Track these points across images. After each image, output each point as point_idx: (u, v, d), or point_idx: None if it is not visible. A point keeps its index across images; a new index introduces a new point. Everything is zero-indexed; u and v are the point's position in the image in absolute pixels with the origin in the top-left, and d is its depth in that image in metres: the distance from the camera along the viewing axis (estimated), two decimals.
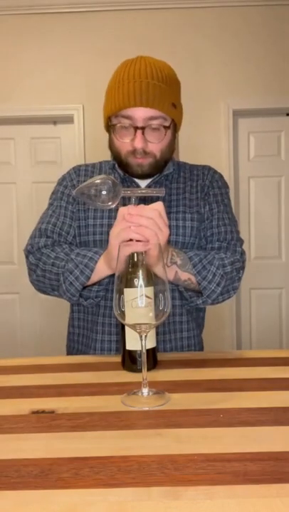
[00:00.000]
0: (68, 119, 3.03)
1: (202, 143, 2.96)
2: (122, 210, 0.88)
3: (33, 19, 2.99)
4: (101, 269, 0.98)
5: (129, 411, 0.67)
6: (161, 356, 0.95)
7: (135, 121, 1.01)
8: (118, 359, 0.91)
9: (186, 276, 1.01)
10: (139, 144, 1.01)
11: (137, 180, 1.13)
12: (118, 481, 0.48)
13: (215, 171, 1.24)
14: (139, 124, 1.01)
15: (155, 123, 1.01)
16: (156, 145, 1.04)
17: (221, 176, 1.24)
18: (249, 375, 0.83)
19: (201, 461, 0.52)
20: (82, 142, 3.02)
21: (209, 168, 1.23)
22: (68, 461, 0.53)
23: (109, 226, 1.08)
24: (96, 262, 0.98)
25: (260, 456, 0.53)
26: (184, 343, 1.12)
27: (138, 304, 0.72)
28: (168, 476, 0.49)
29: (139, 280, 0.74)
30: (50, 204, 1.18)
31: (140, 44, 2.96)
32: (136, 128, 1.01)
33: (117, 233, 0.88)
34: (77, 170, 1.20)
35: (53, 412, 0.67)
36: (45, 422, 0.64)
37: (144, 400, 0.71)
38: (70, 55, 3.00)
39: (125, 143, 1.04)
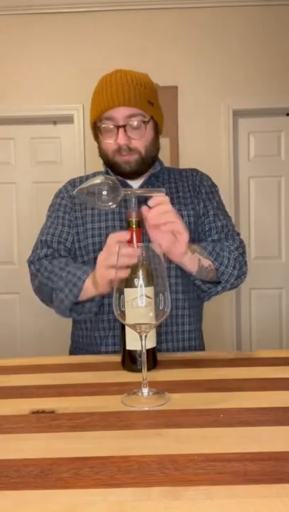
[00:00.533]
0: (68, 119, 3.03)
1: (202, 143, 2.96)
2: (112, 237, 0.92)
3: (33, 19, 2.99)
4: (89, 290, 1.01)
5: (129, 411, 0.67)
6: (161, 356, 0.95)
7: (117, 121, 1.09)
8: (118, 359, 0.91)
9: (207, 262, 1.05)
10: (122, 140, 1.08)
11: (128, 181, 1.17)
12: (118, 481, 0.48)
13: (202, 173, 1.30)
14: (120, 123, 1.08)
15: (134, 120, 1.09)
16: (139, 141, 1.11)
17: (209, 177, 1.30)
18: (249, 375, 0.83)
19: (201, 461, 0.52)
20: (82, 142, 3.02)
21: (197, 171, 1.30)
22: (68, 461, 0.53)
23: (107, 228, 1.14)
24: (84, 281, 1.01)
25: (260, 456, 0.53)
26: (186, 336, 1.14)
27: (138, 303, 0.72)
28: (168, 476, 0.49)
29: (139, 280, 0.74)
30: (49, 216, 1.23)
31: (140, 44, 2.96)
32: (118, 127, 1.08)
33: (105, 258, 0.92)
34: (72, 182, 1.26)
35: (53, 412, 0.67)
36: (45, 422, 0.64)
37: (144, 400, 0.71)
38: (70, 55, 3.00)
39: (110, 143, 1.11)
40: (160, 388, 0.75)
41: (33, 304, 3.12)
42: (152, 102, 1.12)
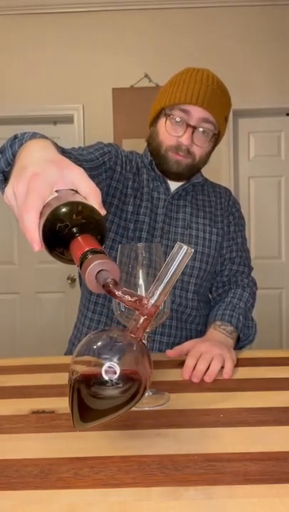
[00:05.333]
0: (68, 119, 3.03)
1: None
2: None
3: (33, 19, 2.99)
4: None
5: (130, 411, 0.67)
6: (161, 356, 0.95)
7: (190, 119, 1.04)
8: None
9: (236, 336, 1.06)
10: (187, 140, 1.04)
11: (168, 181, 1.15)
12: (118, 481, 0.48)
13: (235, 198, 1.29)
14: (193, 123, 1.04)
15: (206, 126, 1.05)
16: (199, 148, 1.07)
17: (240, 205, 1.29)
18: (249, 375, 0.83)
19: (201, 461, 0.52)
20: (82, 142, 3.02)
21: (230, 192, 1.30)
22: (68, 461, 0.52)
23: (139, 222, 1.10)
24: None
25: (260, 456, 0.53)
26: (193, 335, 1.15)
27: None
28: (168, 476, 0.49)
29: (140, 279, 0.73)
30: (81, 148, 1.07)
31: (140, 44, 2.96)
32: (188, 125, 1.04)
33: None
34: (120, 150, 1.16)
35: (53, 412, 0.67)
36: (45, 422, 0.64)
37: (144, 400, 0.70)
38: (70, 55, 3.00)
39: (172, 136, 1.06)
40: (160, 388, 0.75)
41: (33, 304, 3.13)
42: (226, 119, 1.12)
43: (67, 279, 3.01)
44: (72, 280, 3.01)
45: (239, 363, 0.90)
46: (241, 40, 2.97)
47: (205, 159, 1.13)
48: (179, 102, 1.04)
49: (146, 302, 0.45)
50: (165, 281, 0.45)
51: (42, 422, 0.64)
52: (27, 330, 3.11)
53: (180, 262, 0.46)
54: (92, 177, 0.99)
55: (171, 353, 0.91)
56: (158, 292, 0.45)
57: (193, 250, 0.46)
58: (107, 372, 0.43)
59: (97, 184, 1.03)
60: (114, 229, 1.11)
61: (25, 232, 0.47)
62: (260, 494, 0.45)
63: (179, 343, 1.02)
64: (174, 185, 1.16)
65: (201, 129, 1.05)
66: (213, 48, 2.95)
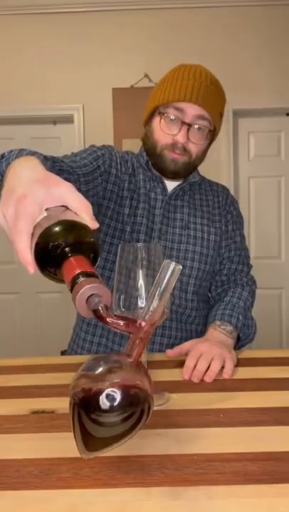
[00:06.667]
0: (68, 119, 3.03)
1: None
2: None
3: (33, 19, 2.99)
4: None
5: None
6: (161, 356, 0.95)
7: (185, 116, 1.03)
8: None
9: (234, 336, 1.04)
10: (182, 138, 1.03)
11: (165, 180, 1.14)
12: (118, 481, 0.48)
13: (233, 196, 1.28)
14: (187, 120, 1.03)
15: (202, 123, 1.04)
16: (195, 146, 1.06)
17: (237, 203, 1.28)
18: (249, 375, 0.83)
19: (201, 461, 0.52)
20: (82, 142, 3.02)
21: (228, 190, 1.28)
22: (68, 461, 0.52)
23: (136, 223, 1.09)
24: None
25: (260, 456, 0.53)
26: (193, 335, 1.14)
27: (138, 303, 0.72)
28: (168, 476, 0.49)
29: (139, 280, 0.73)
30: (74, 154, 1.07)
31: (140, 44, 2.96)
32: (183, 123, 1.03)
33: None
34: (114, 152, 1.16)
35: (53, 412, 0.67)
36: (45, 422, 0.64)
37: None
38: (70, 55, 3.00)
39: (167, 135, 1.05)
40: (160, 388, 0.75)
41: (33, 304, 3.13)
42: (221, 116, 1.11)
43: None
44: None
45: (239, 363, 0.90)
46: (241, 40, 2.97)
47: (201, 157, 1.12)
48: (172, 100, 1.03)
49: (139, 324, 0.44)
50: (157, 299, 0.45)
51: (42, 422, 0.64)
52: (27, 330, 3.11)
53: (169, 279, 0.44)
54: (88, 182, 1.01)
55: (172, 353, 0.91)
56: (151, 311, 0.45)
57: (181, 267, 0.46)
58: (107, 399, 0.41)
59: (93, 188, 1.04)
60: (111, 232, 1.10)
61: (18, 255, 0.47)
62: (260, 494, 0.45)
63: (178, 344, 1.03)
64: (171, 185, 1.15)
65: (196, 126, 1.04)
66: (214, 48, 2.95)
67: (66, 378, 0.84)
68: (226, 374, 0.82)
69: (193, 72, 1.06)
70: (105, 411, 0.41)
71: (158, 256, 0.73)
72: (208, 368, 0.82)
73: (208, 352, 0.85)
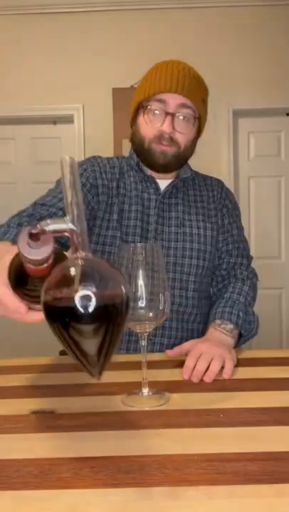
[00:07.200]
0: (68, 119, 3.03)
1: (202, 143, 2.96)
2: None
3: (33, 19, 2.99)
4: None
5: (129, 411, 0.67)
6: (161, 356, 0.95)
7: (167, 107, 1.04)
8: (118, 359, 0.91)
9: (237, 333, 1.03)
10: (167, 128, 1.03)
11: (158, 180, 1.13)
12: (118, 481, 0.48)
13: (228, 188, 1.27)
14: (171, 110, 1.04)
15: (185, 112, 1.04)
16: (182, 135, 1.06)
17: (233, 195, 1.27)
18: (249, 375, 0.83)
19: (201, 461, 0.52)
20: (82, 142, 3.02)
21: (223, 183, 1.27)
22: (68, 461, 0.52)
23: (128, 227, 1.09)
24: None
25: (260, 456, 0.53)
26: (194, 335, 1.14)
27: (138, 303, 0.72)
28: (168, 476, 0.49)
29: (139, 280, 0.73)
30: (59, 182, 1.13)
31: (140, 44, 2.96)
32: (167, 113, 1.03)
33: None
34: (99, 160, 1.17)
35: (52, 412, 0.67)
36: (45, 422, 0.64)
37: (144, 400, 0.70)
38: (70, 55, 3.00)
39: (152, 128, 1.05)
40: (160, 388, 0.75)
41: None
42: (205, 102, 1.11)
43: None
44: None
45: (239, 363, 0.90)
46: (241, 40, 2.97)
47: (191, 148, 1.12)
48: (154, 93, 1.04)
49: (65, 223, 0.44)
50: (72, 200, 0.44)
51: (42, 422, 0.64)
52: (27, 330, 3.10)
53: (70, 174, 0.44)
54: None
55: (172, 353, 0.91)
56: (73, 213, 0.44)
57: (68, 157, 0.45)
58: (81, 302, 0.40)
59: (88, 205, 1.07)
60: (101, 241, 1.10)
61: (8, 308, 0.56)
62: (260, 494, 0.45)
63: (179, 344, 1.03)
64: (163, 184, 1.14)
65: (181, 117, 1.04)
66: (214, 48, 2.95)
67: (66, 378, 0.84)
68: (226, 374, 0.82)
69: (170, 65, 1.07)
70: (84, 310, 0.40)
71: (157, 256, 0.72)
72: (208, 368, 0.82)
73: (208, 352, 0.84)
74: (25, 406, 0.70)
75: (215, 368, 0.81)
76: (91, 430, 0.61)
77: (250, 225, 3.10)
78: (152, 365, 0.89)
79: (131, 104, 1.14)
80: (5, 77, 3.02)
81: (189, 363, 0.83)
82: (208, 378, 0.80)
